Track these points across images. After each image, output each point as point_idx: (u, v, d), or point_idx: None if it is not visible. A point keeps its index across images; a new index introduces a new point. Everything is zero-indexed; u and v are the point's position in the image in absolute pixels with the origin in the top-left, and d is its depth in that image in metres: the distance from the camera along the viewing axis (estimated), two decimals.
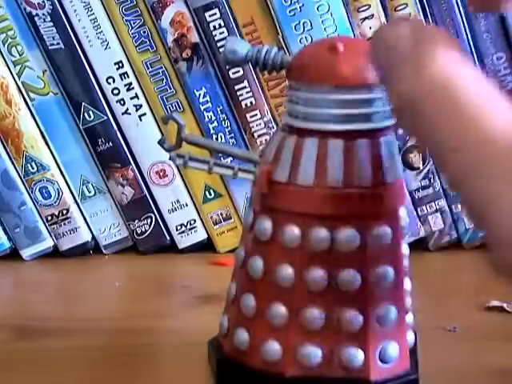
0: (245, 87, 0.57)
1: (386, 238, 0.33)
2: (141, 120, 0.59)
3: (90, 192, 0.61)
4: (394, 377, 0.34)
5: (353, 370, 0.33)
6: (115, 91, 0.58)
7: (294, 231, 0.32)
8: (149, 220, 0.60)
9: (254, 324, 0.34)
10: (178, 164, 0.34)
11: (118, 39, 0.58)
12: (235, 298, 0.35)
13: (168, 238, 0.61)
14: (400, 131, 0.34)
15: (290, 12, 0.56)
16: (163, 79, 0.58)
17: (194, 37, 0.57)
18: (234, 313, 0.35)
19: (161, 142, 0.36)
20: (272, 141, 0.34)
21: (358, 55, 0.31)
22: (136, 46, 0.58)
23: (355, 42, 0.36)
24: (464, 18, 0.56)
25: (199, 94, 0.58)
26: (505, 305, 0.46)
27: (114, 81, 0.58)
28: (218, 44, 0.57)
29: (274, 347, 0.33)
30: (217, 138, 0.59)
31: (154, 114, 0.59)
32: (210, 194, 0.60)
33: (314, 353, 0.33)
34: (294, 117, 0.33)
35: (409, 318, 0.35)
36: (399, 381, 0.34)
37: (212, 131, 0.58)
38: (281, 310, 0.33)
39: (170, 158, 0.36)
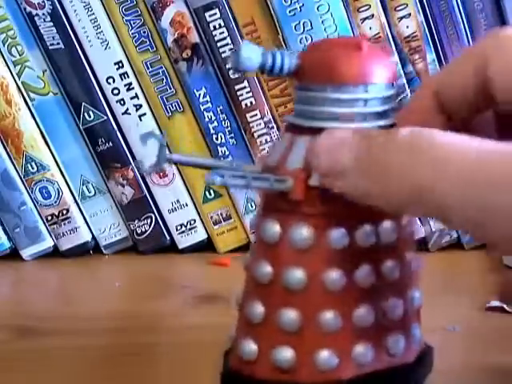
0: (245, 87, 0.57)
1: (400, 231, 0.33)
2: (141, 120, 0.59)
3: (90, 192, 0.61)
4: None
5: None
6: (115, 91, 0.58)
7: (338, 233, 0.32)
8: (149, 220, 0.60)
9: (261, 332, 0.33)
10: (218, 183, 0.32)
11: (118, 39, 0.58)
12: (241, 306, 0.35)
13: (168, 238, 0.61)
14: None
15: (289, 12, 0.56)
16: (163, 79, 0.58)
17: (193, 37, 0.57)
18: (239, 321, 0.34)
19: (137, 166, 0.34)
20: (279, 145, 0.33)
21: (378, 53, 0.32)
22: (136, 46, 0.58)
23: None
24: (464, 18, 0.56)
25: (199, 94, 0.58)
26: (505, 305, 0.46)
27: (114, 81, 0.58)
28: (218, 44, 0.57)
29: (286, 354, 0.32)
30: (217, 138, 0.59)
31: (153, 114, 0.59)
32: (210, 194, 0.60)
33: (330, 356, 0.32)
34: (306, 118, 0.32)
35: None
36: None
37: (212, 131, 0.58)
38: (292, 314, 0.32)
39: (208, 183, 0.32)
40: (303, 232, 0.31)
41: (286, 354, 0.32)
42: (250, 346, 0.33)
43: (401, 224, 0.33)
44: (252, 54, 0.30)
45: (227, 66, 0.31)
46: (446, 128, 0.29)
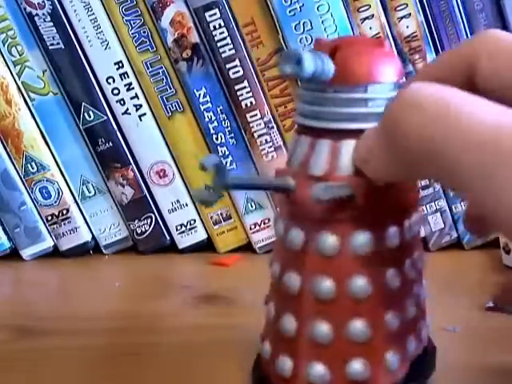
0: (245, 87, 0.57)
1: (415, 229, 0.33)
2: (141, 120, 0.59)
3: (90, 192, 0.61)
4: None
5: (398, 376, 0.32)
6: (115, 91, 0.58)
7: (363, 237, 0.31)
8: (149, 220, 0.60)
9: (295, 347, 0.32)
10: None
11: (118, 39, 0.58)
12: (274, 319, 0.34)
13: (168, 237, 0.61)
14: None
15: (289, 12, 0.56)
16: (163, 79, 0.58)
17: (194, 37, 0.57)
18: (274, 335, 0.34)
19: (202, 198, 0.31)
20: (299, 148, 0.32)
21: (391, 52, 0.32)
22: (136, 46, 0.58)
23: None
24: (464, 18, 0.56)
25: (199, 94, 0.58)
26: (499, 306, 0.46)
27: (114, 81, 0.58)
28: (218, 44, 0.57)
29: (318, 369, 0.32)
30: (217, 138, 0.59)
31: (153, 114, 0.59)
32: None
33: (363, 366, 0.31)
34: (327, 120, 0.31)
35: None
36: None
37: (212, 131, 0.58)
38: (324, 327, 0.31)
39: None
40: (329, 239, 0.31)
41: (319, 369, 0.31)
42: (285, 362, 0.32)
43: (410, 222, 0.33)
44: (311, 62, 0.29)
45: (283, 74, 0.28)
46: None
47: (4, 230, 0.61)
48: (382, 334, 0.31)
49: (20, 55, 0.58)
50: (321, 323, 0.31)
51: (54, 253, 0.61)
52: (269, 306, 0.34)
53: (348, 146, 0.30)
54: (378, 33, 0.56)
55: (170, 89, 0.58)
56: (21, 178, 0.60)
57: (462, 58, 0.31)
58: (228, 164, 0.59)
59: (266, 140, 0.58)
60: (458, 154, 0.25)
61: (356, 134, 0.30)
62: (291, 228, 0.31)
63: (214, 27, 0.56)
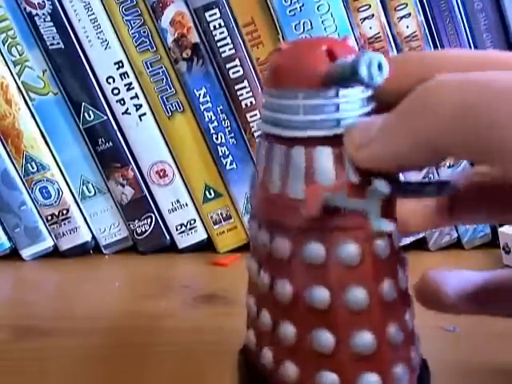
0: (245, 87, 0.57)
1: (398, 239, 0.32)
2: (141, 120, 0.59)
3: (90, 192, 0.61)
4: None
5: None
6: (115, 91, 0.58)
7: (382, 243, 0.30)
8: (149, 220, 0.60)
9: (299, 355, 0.31)
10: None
11: (118, 39, 0.58)
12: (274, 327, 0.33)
13: (168, 237, 0.61)
14: None
15: (289, 12, 0.56)
16: (163, 79, 0.58)
17: (194, 37, 0.57)
18: (276, 344, 0.33)
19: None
20: (273, 156, 0.30)
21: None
22: (136, 46, 0.58)
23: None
24: (464, 18, 0.56)
25: (199, 94, 0.58)
26: None
27: (114, 81, 0.58)
28: (218, 44, 0.57)
29: (330, 377, 0.31)
30: (217, 138, 0.59)
31: (153, 114, 0.59)
32: (210, 194, 0.60)
33: (373, 378, 0.31)
34: (291, 127, 0.29)
35: None
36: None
37: (212, 131, 0.58)
38: (366, 337, 0.30)
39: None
40: (351, 248, 0.29)
41: (372, 378, 0.30)
42: (290, 369, 0.31)
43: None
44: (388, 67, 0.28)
45: (361, 81, 0.26)
46: None
47: (4, 229, 0.61)
48: (385, 345, 0.31)
49: (20, 55, 0.58)
50: (362, 334, 0.30)
51: (54, 253, 0.61)
52: (263, 312, 0.33)
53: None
54: (378, 32, 0.56)
55: (170, 89, 0.58)
56: (21, 178, 0.60)
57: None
58: (228, 164, 0.59)
59: None
60: (494, 113, 0.25)
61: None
62: (311, 241, 0.30)
63: (214, 27, 0.56)
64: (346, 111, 0.29)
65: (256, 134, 0.58)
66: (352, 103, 0.29)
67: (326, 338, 0.30)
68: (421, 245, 0.58)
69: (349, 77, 0.28)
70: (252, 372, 0.34)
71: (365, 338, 0.30)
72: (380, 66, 0.27)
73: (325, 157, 0.29)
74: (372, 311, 0.30)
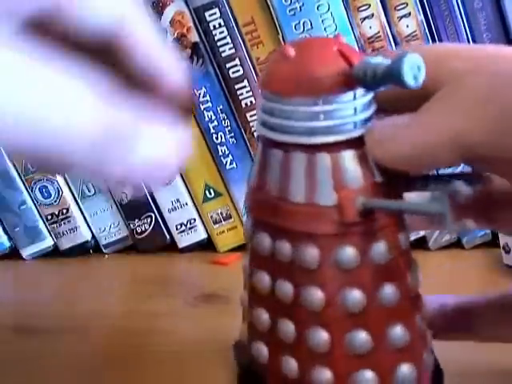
0: (245, 86, 0.57)
1: (405, 243, 0.32)
2: None
3: (89, 191, 0.61)
4: None
5: None
6: None
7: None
8: (149, 219, 0.60)
9: (296, 351, 0.31)
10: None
11: None
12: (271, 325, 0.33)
13: (168, 237, 0.61)
14: None
15: (289, 11, 0.56)
16: None
17: (193, 36, 0.57)
18: (273, 340, 0.33)
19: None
20: (287, 166, 0.30)
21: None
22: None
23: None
24: (464, 18, 0.56)
25: (199, 94, 0.58)
26: None
27: None
28: (218, 43, 0.57)
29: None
30: (217, 138, 0.59)
31: None
32: (210, 194, 0.60)
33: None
34: (312, 134, 0.29)
35: None
36: None
37: (212, 130, 0.58)
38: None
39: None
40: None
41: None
42: (324, 375, 0.31)
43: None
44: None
45: (406, 85, 0.26)
46: None
47: (4, 229, 0.61)
48: (418, 338, 0.31)
49: None
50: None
51: (54, 252, 0.61)
52: (256, 311, 0.33)
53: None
54: (378, 32, 0.56)
55: None
56: (20, 177, 0.60)
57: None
58: (228, 164, 0.59)
59: None
60: None
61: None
62: (344, 246, 0.30)
63: (214, 27, 0.56)
64: (361, 113, 0.29)
65: (256, 135, 0.58)
66: (364, 105, 0.30)
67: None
68: (421, 244, 0.58)
69: (389, 78, 0.27)
70: (246, 366, 0.34)
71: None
72: (420, 68, 0.27)
73: (350, 160, 0.29)
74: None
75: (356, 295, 0.30)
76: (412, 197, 0.31)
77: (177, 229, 0.61)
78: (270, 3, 0.56)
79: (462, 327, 0.35)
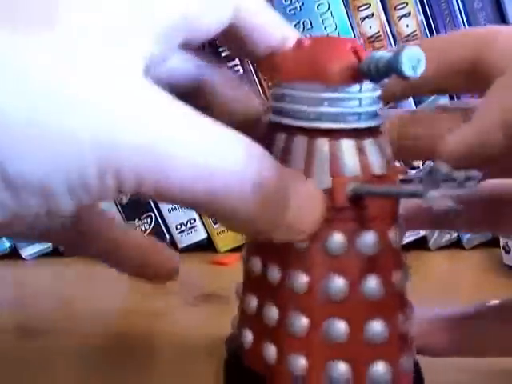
0: None
1: (398, 236, 0.32)
2: None
3: None
4: None
5: None
6: None
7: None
8: (149, 219, 0.60)
9: (276, 336, 0.31)
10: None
11: None
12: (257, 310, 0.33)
13: (168, 237, 0.61)
14: None
15: (289, 11, 0.56)
16: None
17: None
18: (257, 325, 0.33)
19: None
20: (293, 147, 0.31)
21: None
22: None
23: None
24: (464, 18, 0.56)
25: None
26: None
27: None
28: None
29: (300, 362, 0.31)
30: None
31: None
32: None
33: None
34: (315, 119, 0.30)
35: None
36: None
37: None
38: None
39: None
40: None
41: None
42: (300, 362, 0.31)
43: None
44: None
45: (403, 75, 0.27)
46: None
47: None
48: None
49: None
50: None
51: (54, 252, 0.61)
52: (247, 297, 0.33)
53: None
54: (378, 32, 0.56)
55: None
56: None
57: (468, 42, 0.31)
58: None
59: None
60: None
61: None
62: (334, 233, 0.30)
63: None
64: (366, 106, 0.30)
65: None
66: (371, 100, 0.30)
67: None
68: (421, 244, 0.58)
69: (390, 70, 0.28)
70: (233, 352, 0.34)
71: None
72: (419, 60, 0.28)
73: (349, 149, 0.30)
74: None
75: (339, 283, 0.30)
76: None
77: (177, 229, 0.61)
78: (269, 3, 0.56)
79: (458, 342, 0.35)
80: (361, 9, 0.56)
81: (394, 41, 0.56)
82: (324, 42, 0.32)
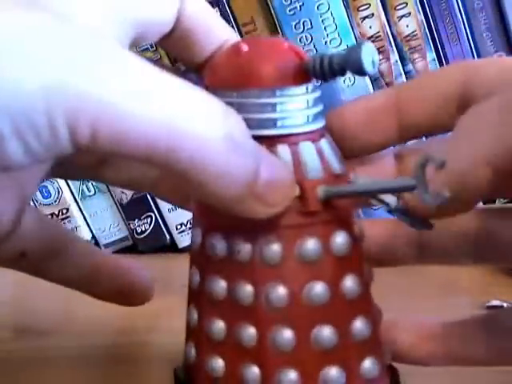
0: None
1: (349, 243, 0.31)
2: None
3: (89, 191, 0.61)
4: None
5: None
6: None
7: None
8: (149, 219, 0.60)
9: (225, 349, 0.31)
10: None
11: None
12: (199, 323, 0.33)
13: (168, 237, 0.61)
14: None
15: (289, 11, 0.56)
16: None
17: None
18: (201, 339, 0.33)
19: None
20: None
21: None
22: (136, 46, 0.57)
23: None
24: (464, 18, 0.56)
25: None
26: (505, 304, 0.46)
27: None
28: None
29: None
30: None
31: None
32: None
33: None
34: (271, 127, 0.29)
35: None
36: None
37: None
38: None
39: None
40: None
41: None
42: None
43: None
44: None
45: (367, 72, 0.27)
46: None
47: None
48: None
49: None
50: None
51: None
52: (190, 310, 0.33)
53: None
54: (378, 32, 0.56)
55: None
56: None
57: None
58: None
59: None
60: None
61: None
62: (307, 238, 0.29)
63: None
64: (313, 107, 0.29)
65: None
66: (316, 100, 0.30)
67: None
68: None
69: (347, 67, 0.28)
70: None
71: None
72: (374, 55, 0.27)
73: (309, 152, 0.29)
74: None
75: (319, 289, 0.29)
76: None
77: (177, 229, 0.61)
78: (270, 3, 0.56)
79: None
80: (361, 9, 0.56)
81: (395, 41, 0.56)
82: (261, 45, 0.30)
